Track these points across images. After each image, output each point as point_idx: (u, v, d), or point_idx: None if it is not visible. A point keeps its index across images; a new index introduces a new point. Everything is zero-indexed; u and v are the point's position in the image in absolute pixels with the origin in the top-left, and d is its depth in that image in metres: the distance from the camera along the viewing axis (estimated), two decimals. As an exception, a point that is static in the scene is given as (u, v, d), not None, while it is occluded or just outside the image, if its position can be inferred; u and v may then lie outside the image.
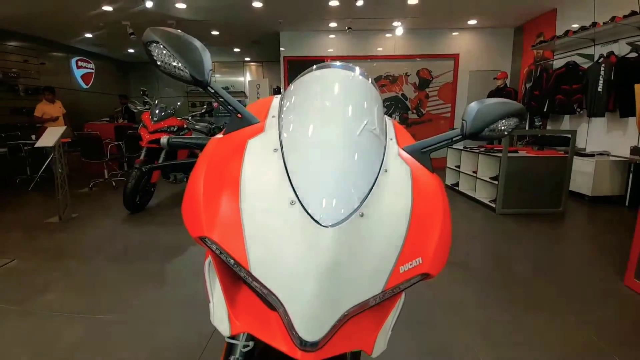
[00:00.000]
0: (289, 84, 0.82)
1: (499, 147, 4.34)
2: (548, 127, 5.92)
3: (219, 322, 0.62)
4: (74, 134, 5.68)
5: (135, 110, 4.48)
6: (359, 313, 0.55)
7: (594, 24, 4.59)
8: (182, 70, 0.68)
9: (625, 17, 4.11)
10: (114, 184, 5.55)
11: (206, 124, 5.16)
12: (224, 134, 0.71)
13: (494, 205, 4.12)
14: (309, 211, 0.53)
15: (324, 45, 7.49)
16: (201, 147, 0.78)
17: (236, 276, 0.68)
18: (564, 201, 4.04)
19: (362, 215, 0.55)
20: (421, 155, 0.73)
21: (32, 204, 4.61)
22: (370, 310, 0.64)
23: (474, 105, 0.73)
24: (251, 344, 0.71)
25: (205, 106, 5.00)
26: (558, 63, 5.55)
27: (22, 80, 6.66)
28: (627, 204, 4.32)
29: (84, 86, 8.49)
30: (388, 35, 7.34)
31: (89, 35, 7.15)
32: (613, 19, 4.26)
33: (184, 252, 2.96)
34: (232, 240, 0.54)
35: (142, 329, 1.88)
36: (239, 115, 0.73)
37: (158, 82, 10.29)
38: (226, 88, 10.32)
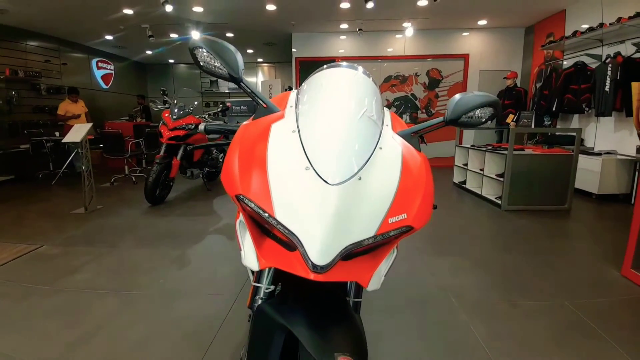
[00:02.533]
0: (300, 84, 1.00)
1: (506, 145, 4.45)
2: (557, 127, 5.99)
3: (249, 262, 0.81)
4: (97, 132, 5.98)
5: (156, 109, 4.74)
6: (357, 250, 0.73)
7: (601, 25, 4.66)
8: (220, 69, 0.88)
9: (630, 18, 4.19)
10: (134, 180, 5.84)
11: (221, 122, 5.39)
12: (252, 120, 0.90)
13: (499, 202, 4.23)
14: (320, 174, 0.71)
15: (335, 46, 7.67)
16: (233, 132, 0.98)
17: (262, 230, 0.86)
18: (570, 198, 4.13)
19: (359, 178, 0.73)
20: (411, 138, 0.91)
21: (57, 197, 4.90)
22: (367, 255, 0.82)
23: (456, 97, 0.91)
24: (272, 287, 0.89)
25: (220, 105, 5.22)
26: (568, 63, 5.62)
27: (44, 79, 6.93)
28: (632, 202, 4.38)
29: (104, 86, 8.85)
30: (398, 36, 7.48)
31: (109, 37, 7.47)
32: (619, 19, 4.34)
33: (203, 239, 3.18)
34: (262, 196, 0.73)
35: (168, 303, 2.10)
36: (264, 105, 0.92)
37: (174, 83, 10.62)
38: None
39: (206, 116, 4.77)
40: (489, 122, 0.92)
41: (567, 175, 4.10)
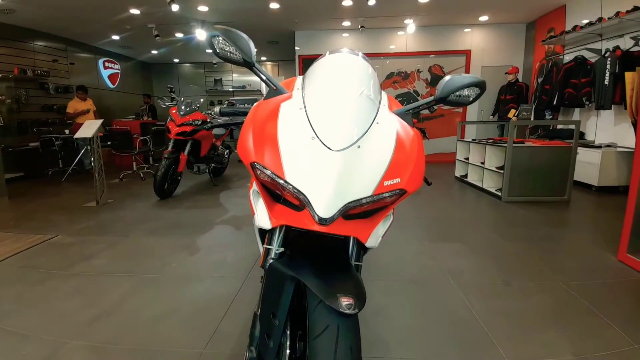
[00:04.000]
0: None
1: (507, 138, 4.54)
2: (560, 120, 6.05)
3: (262, 222, 0.92)
4: (105, 129, 6.13)
5: (163, 106, 4.87)
6: (357, 210, 0.84)
7: (600, 19, 4.74)
8: (234, 54, 0.98)
9: (628, 12, 4.26)
10: (142, 176, 5.98)
11: (227, 119, 5.52)
12: (264, 99, 1.01)
13: (499, 194, 4.33)
14: (324, 142, 0.82)
15: (338, 43, 7.77)
16: (246, 113, 1.09)
17: (272, 196, 0.97)
18: (569, 189, 4.21)
19: (359, 147, 0.84)
20: (405, 115, 1.02)
21: (68, 192, 5.05)
22: (367, 218, 0.93)
23: (445, 77, 1.02)
24: (282, 249, 1.00)
25: (226, 103, 5.35)
26: (568, 58, 5.69)
27: (53, 79, 7.08)
28: (633, 193, 4.44)
29: (111, 86, 9.01)
30: (400, 32, 7.57)
31: (116, 37, 7.63)
32: (617, 14, 4.41)
33: (211, 229, 3.30)
34: (274, 163, 0.84)
35: (181, 284, 2.22)
36: (274, 88, 1.03)
37: (179, 82, 10.78)
38: (242, 87, 10.72)
39: (212, 112, 4.90)
40: (476, 101, 1.03)
41: (566, 167, 4.18)
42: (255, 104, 1.03)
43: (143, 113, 8.45)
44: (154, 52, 9.21)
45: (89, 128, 4.21)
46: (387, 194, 0.85)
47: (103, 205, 4.16)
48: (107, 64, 8.81)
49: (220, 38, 0.98)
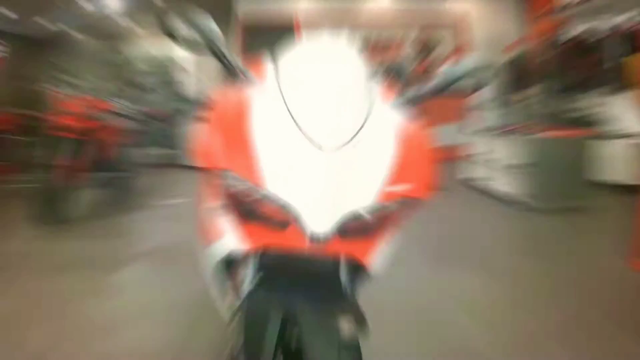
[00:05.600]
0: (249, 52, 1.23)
1: (526, 127, 4.86)
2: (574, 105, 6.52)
3: (233, 245, 1.03)
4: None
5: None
6: (356, 225, 0.92)
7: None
8: (198, 42, 1.08)
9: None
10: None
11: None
12: (227, 90, 1.11)
13: (523, 199, 4.66)
14: (312, 143, 0.88)
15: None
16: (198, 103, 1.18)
17: (245, 215, 1.03)
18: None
19: (354, 147, 0.90)
20: (404, 107, 1.16)
21: None
22: (367, 236, 1.00)
23: (445, 65, 1.19)
24: (261, 273, 1.05)
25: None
26: (573, 32, 6.34)
27: None
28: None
29: None
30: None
31: None
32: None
33: (126, 267, 3.30)
34: (250, 170, 0.88)
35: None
36: (241, 75, 1.14)
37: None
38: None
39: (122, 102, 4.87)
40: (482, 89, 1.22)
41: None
42: (216, 95, 1.10)
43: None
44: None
45: None
46: (391, 203, 0.94)
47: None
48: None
49: (180, 24, 1.07)
